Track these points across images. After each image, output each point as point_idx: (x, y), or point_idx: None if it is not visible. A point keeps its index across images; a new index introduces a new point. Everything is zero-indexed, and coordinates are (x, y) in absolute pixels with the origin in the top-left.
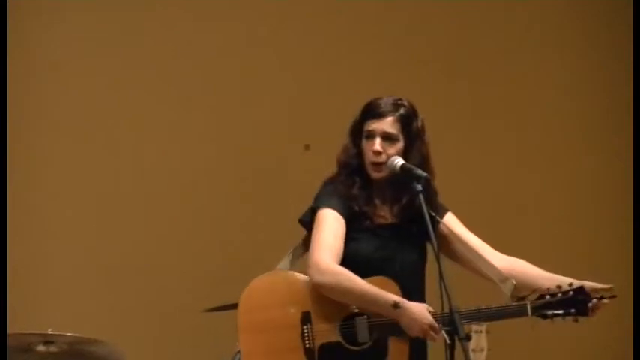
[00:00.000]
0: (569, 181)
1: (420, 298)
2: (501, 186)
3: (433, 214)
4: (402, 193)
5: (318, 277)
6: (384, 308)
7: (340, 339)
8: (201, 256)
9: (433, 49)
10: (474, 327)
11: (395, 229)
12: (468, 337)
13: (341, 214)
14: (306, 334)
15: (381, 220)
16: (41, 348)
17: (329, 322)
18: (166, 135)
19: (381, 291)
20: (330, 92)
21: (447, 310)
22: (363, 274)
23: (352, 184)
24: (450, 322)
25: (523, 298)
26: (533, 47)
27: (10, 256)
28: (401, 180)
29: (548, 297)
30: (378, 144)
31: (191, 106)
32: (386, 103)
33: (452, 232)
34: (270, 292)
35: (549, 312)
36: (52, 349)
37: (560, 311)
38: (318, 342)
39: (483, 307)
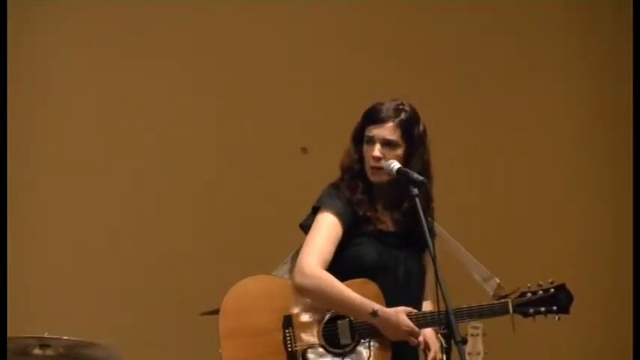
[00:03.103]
0: (570, 183)
1: (419, 306)
2: (502, 187)
3: (430, 219)
4: (403, 199)
5: (300, 280)
6: (362, 315)
7: (322, 342)
8: (199, 259)
9: (432, 53)
10: (470, 330)
11: (396, 236)
12: (464, 341)
13: (341, 218)
14: (288, 338)
15: (383, 226)
16: (37, 351)
17: (311, 326)
18: (164, 137)
19: (359, 299)
20: (327, 95)
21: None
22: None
23: (355, 188)
24: (446, 325)
25: (506, 297)
26: (534, 50)
27: (7, 259)
28: (401, 185)
29: (529, 295)
30: (377, 150)
31: (189, 108)
32: (387, 108)
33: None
34: (252, 296)
35: (531, 310)
36: (49, 352)
37: (542, 309)
38: (300, 346)
39: (464, 306)
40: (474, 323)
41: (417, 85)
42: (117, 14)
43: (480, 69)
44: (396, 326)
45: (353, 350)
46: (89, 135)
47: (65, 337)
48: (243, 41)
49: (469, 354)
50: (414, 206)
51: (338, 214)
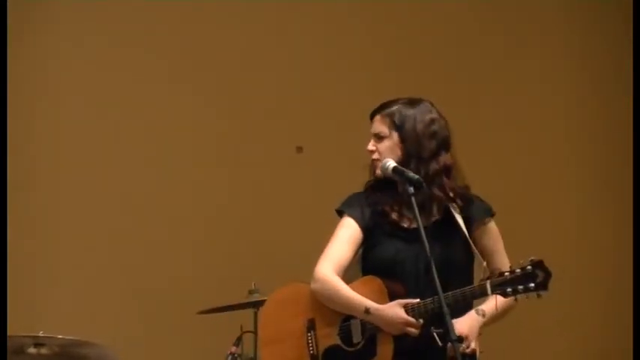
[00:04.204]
0: (569, 182)
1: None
2: (502, 187)
3: (455, 205)
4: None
5: (312, 285)
6: (358, 315)
7: (339, 341)
8: (194, 258)
9: (432, 52)
10: None
11: (416, 232)
12: (460, 340)
13: (358, 220)
14: (310, 341)
15: (405, 223)
16: (32, 350)
17: (330, 327)
18: (163, 137)
19: (355, 298)
20: (323, 95)
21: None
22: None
23: (371, 186)
24: (442, 324)
25: (488, 279)
26: (534, 50)
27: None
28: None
29: (507, 274)
30: (370, 144)
31: (187, 107)
32: (382, 103)
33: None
34: (284, 303)
35: (508, 289)
36: (43, 351)
37: (520, 287)
38: (321, 347)
39: (449, 293)
40: None
41: (415, 85)
42: (117, 14)
43: (479, 69)
44: (390, 320)
45: (362, 347)
46: (89, 134)
47: (60, 336)
48: (240, 41)
49: None
50: (412, 204)
51: (355, 217)
